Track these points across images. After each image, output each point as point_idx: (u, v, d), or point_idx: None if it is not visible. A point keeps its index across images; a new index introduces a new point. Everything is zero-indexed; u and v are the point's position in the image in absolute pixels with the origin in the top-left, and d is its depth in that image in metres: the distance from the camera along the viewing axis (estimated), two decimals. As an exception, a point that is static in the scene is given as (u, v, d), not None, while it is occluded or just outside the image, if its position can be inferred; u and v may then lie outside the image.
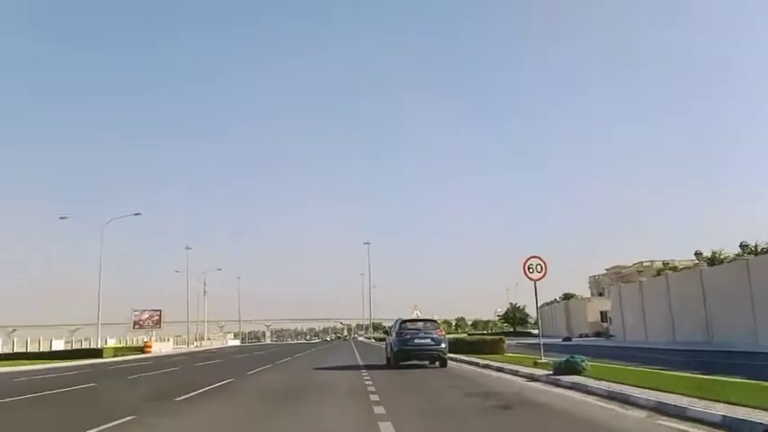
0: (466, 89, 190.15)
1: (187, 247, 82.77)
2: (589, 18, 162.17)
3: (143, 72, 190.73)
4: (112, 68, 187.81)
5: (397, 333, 19.68)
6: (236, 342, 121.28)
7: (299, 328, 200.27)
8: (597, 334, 61.86)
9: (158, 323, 54.21)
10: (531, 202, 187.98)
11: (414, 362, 19.61)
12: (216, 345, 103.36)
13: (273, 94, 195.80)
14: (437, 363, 19.32)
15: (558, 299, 77.54)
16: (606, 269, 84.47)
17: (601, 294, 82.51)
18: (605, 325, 63.06)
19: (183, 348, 70.89)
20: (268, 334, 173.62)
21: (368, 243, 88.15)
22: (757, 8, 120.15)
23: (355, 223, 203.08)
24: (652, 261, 72.04)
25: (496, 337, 30.64)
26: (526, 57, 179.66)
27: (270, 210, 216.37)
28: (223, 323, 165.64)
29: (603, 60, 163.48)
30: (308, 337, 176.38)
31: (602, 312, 65.82)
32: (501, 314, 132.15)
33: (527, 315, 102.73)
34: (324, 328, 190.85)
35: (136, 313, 53.50)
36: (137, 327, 53.51)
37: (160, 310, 55.04)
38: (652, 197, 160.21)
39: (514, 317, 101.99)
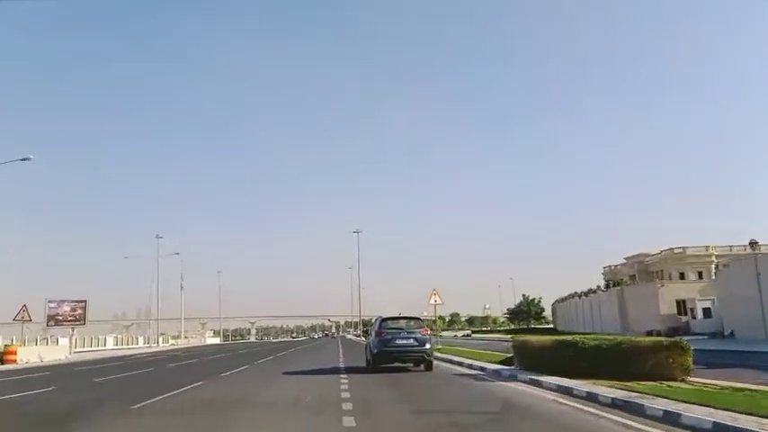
0: (467, 93, 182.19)
1: (157, 236, 70.59)
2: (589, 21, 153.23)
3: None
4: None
5: (376, 333, 17.67)
6: (216, 340, 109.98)
7: (286, 325, 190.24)
8: (674, 330, 41.51)
9: (82, 318, 40.89)
10: (526, 203, 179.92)
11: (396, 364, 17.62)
12: (193, 343, 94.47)
13: (286, 99, 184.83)
14: (422, 366, 17.36)
15: (600, 286, 63.90)
16: (626, 258, 73.04)
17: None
18: (684, 319, 47.44)
19: (122, 349, 57.83)
20: (253, 331, 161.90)
21: (357, 232, 76.22)
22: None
23: (345, 219, 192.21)
24: (684, 248, 60.80)
25: (664, 339, 13.34)
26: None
27: (257, 205, 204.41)
28: (205, 320, 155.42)
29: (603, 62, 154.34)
30: (293, 335, 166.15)
31: (678, 302, 49.14)
32: (489, 309, 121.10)
33: (542, 309, 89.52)
34: (311, 326, 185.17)
35: (51, 306, 40.14)
36: (51, 323, 40.06)
37: (85, 302, 41.86)
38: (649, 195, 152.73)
39: (528, 311, 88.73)
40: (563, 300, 72.77)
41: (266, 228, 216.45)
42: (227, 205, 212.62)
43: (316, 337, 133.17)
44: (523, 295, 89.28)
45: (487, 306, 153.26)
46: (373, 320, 20.86)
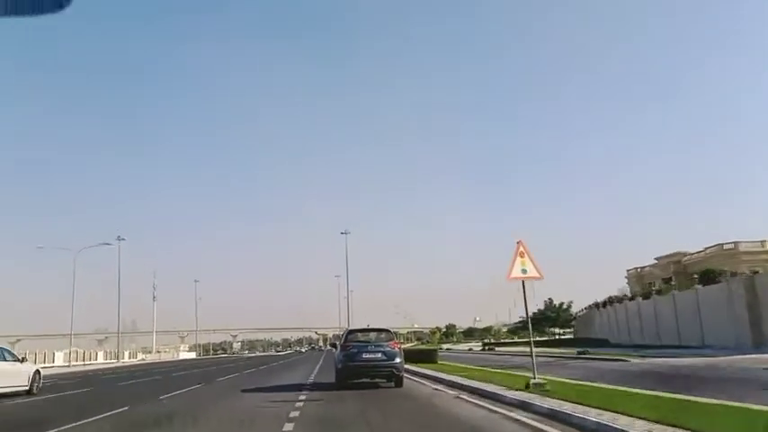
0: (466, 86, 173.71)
1: (119, 238, 58.98)
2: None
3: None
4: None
5: (342, 346, 16.48)
6: (192, 355, 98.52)
7: (272, 338, 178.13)
8: None
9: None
10: (515, 206, 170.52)
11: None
12: (165, 358, 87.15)
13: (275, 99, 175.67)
14: (392, 382, 15.91)
15: (696, 278, 46.91)
16: (657, 258, 61.81)
17: (650, 294, 55.01)
18: None
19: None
20: (235, 345, 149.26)
21: (345, 233, 64.72)
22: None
23: (334, 228, 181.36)
24: (736, 243, 49.68)
25: None
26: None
27: (245, 214, 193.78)
28: (185, 333, 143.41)
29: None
30: (279, 348, 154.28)
31: None
32: (480, 320, 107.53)
33: (571, 316, 75.57)
34: (298, 339, 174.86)
35: None
36: None
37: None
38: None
39: (557, 317, 73.97)
40: (607, 303, 58.16)
41: (252, 238, 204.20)
42: (211, 214, 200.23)
43: (302, 350, 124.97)
44: (549, 300, 75.34)
45: (478, 318, 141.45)
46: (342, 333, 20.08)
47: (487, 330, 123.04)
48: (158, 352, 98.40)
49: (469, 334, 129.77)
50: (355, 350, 15.64)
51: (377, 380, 16.07)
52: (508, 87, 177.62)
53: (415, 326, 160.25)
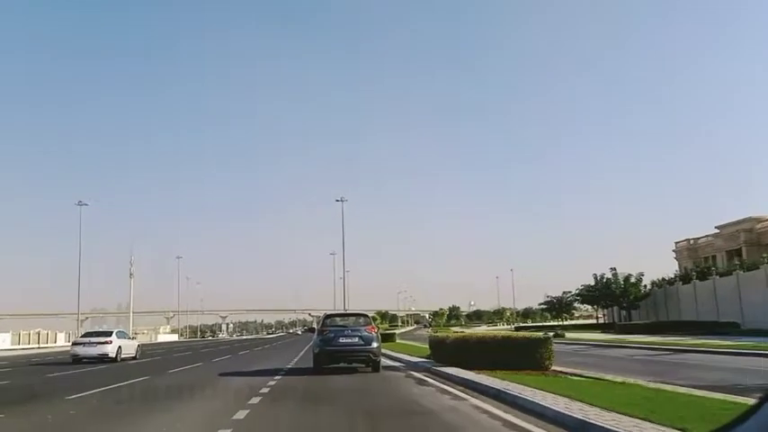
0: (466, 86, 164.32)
1: (79, 203, 51.32)
2: None
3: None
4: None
5: (318, 331, 16.72)
6: (174, 337, 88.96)
7: (264, 320, 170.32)
8: None
9: None
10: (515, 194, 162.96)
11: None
12: (141, 340, 74.56)
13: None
14: (369, 366, 15.70)
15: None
16: (718, 227, 50.69)
17: (704, 270, 45.41)
18: None
19: None
20: (224, 327, 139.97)
21: (341, 200, 53.59)
22: None
23: (331, 202, 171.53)
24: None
25: None
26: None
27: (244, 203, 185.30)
28: (171, 314, 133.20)
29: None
30: (271, 331, 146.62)
31: None
32: (474, 305, 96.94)
33: (642, 293, 55.00)
34: (292, 321, 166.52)
35: None
36: None
37: None
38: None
39: (624, 292, 54.17)
40: (705, 274, 43.08)
41: (248, 224, 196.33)
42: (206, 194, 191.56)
43: (299, 332, 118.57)
44: (612, 269, 55.38)
45: (472, 303, 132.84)
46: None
47: (498, 314, 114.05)
48: (136, 334, 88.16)
49: (477, 317, 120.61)
50: (332, 335, 15.25)
51: (354, 364, 15.69)
52: (507, 86, 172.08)
53: (413, 309, 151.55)
